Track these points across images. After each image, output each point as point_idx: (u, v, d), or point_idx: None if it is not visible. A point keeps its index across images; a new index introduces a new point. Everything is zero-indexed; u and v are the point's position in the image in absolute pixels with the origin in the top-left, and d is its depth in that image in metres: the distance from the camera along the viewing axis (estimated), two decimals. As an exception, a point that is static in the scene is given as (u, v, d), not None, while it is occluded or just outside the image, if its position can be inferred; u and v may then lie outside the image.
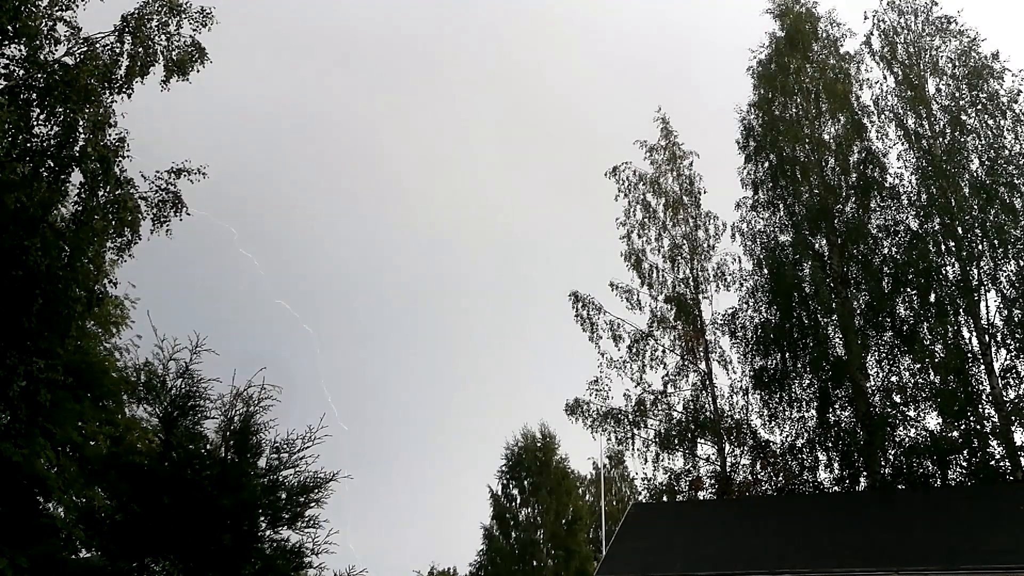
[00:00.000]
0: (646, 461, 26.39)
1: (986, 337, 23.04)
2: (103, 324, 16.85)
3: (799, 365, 25.59)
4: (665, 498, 25.96)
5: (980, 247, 23.61)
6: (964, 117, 25.14)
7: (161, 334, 14.37)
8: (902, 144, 26.20)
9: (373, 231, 72.93)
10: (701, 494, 25.81)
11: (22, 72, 13.80)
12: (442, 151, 71.66)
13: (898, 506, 19.80)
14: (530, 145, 73.42)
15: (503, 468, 40.23)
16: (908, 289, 24.44)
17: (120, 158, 13.78)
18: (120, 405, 16.08)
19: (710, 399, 26.73)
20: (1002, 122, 24.61)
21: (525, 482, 39.93)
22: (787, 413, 25.68)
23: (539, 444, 40.42)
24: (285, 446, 14.56)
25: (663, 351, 27.28)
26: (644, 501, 26.83)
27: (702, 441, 26.37)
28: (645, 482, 26.63)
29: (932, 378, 23.33)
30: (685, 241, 28.46)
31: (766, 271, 26.91)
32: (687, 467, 26.16)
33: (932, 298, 23.96)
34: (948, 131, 25.25)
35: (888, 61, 26.98)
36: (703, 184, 29.32)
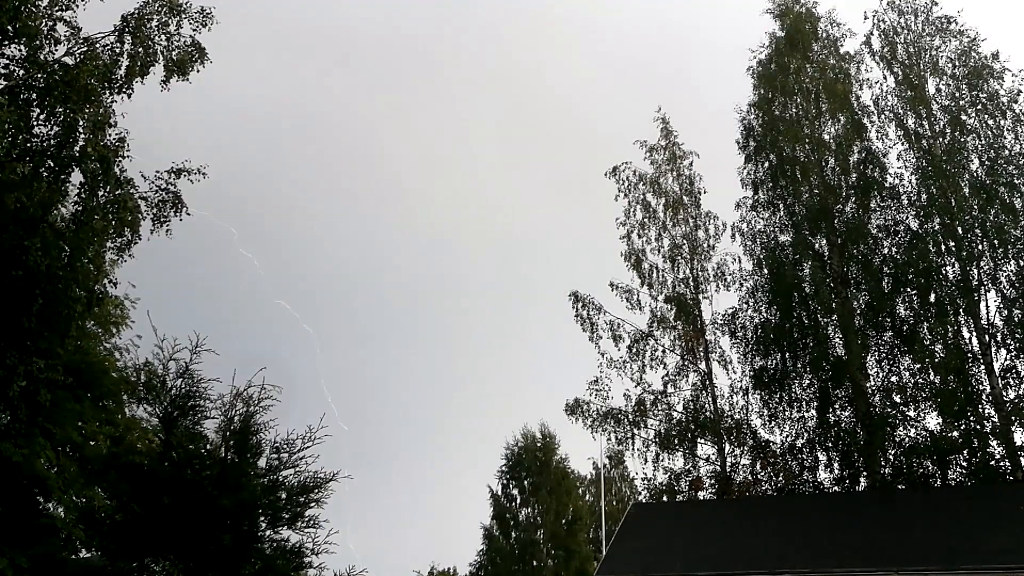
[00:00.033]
0: (646, 461, 26.43)
1: (986, 337, 23.04)
2: (103, 324, 16.85)
3: (799, 365, 25.59)
4: (665, 498, 25.96)
5: (980, 247, 23.62)
6: (964, 117, 25.14)
7: (161, 334, 14.39)
8: (902, 144, 26.22)
9: (373, 231, 72.98)
10: (701, 494, 25.81)
11: (22, 72, 13.79)
12: (442, 151, 71.71)
13: (898, 506, 19.80)
14: (530, 145, 73.48)
15: (503, 468, 40.26)
16: (908, 289, 24.44)
17: (120, 158, 13.78)
18: (120, 405, 16.08)
19: (710, 399, 26.73)
20: (1002, 122, 24.61)
21: (525, 482, 39.93)
22: (787, 413, 25.70)
23: (539, 444, 40.42)
24: (285, 446, 14.57)
25: (663, 351, 27.31)
26: (644, 501, 26.83)
27: (702, 441, 26.39)
28: (645, 482, 26.67)
29: (932, 378, 23.33)
30: (685, 241, 28.47)
31: (766, 271, 26.91)
32: (687, 467, 26.19)
33: (932, 298, 23.97)
34: (948, 131, 25.25)
35: (888, 61, 26.99)
36: (703, 184, 29.38)
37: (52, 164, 13.39)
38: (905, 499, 21.11)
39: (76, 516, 14.15)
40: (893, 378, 24.31)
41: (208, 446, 14.68)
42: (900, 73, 26.63)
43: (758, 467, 25.67)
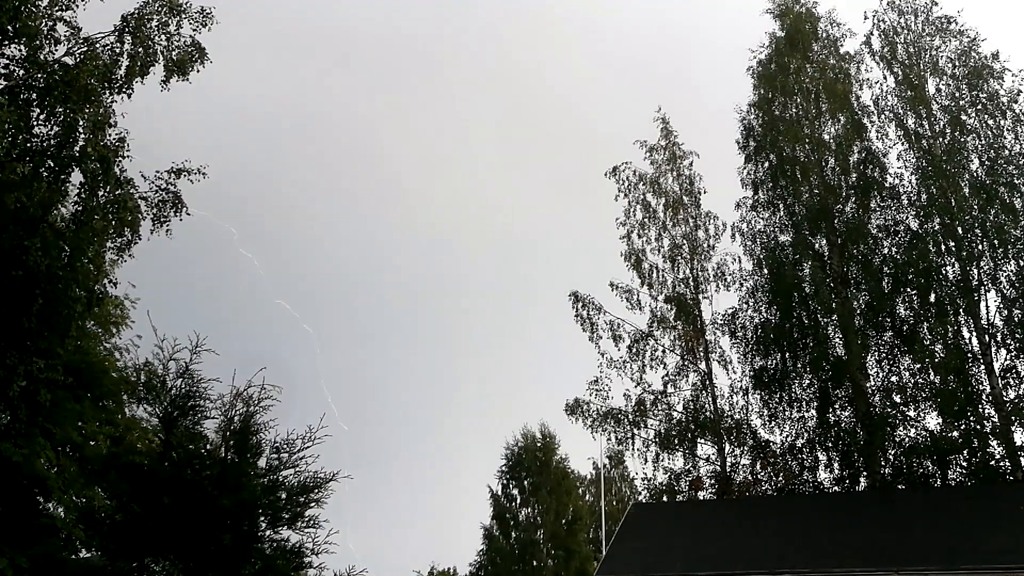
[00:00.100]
0: (646, 461, 26.43)
1: (986, 337, 23.04)
2: (103, 324, 16.85)
3: (799, 365, 25.59)
4: (665, 498, 25.96)
5: (980, 247, 23.62)
6: (964, 117, 25.14)
7: (161, 334, 14.40)
8: (902, 144, 26.23)
9: (373, 231, 72.98)
10: (701, 494, 25.81)
11: (22, 72, 13.79)
12: (442, 151, 71.72)
13: (898, 506, 19.80)
14: (530, 145, 73.48)
15: (503, 468, 40.25)
16: (908, 289, 24.44)
17: (120, 158, 13.77)
18: (120, 405, 16.08)
19: (710, 399, 26.73)
20: (1002, 122, 24.61)
21: (525, 482, 39.93)
22: (787, 413, 25.70)
23: (539, 444, 40.42)
24: (285, 446, 14.58)
25: (663, 351, 27.31)
26: (644, 501, 26.83)
27: (702, 441, 26.39)
28: (645, 482, 26.67)
29: (932, 378, 23.33)
30: (685, 241, 28.47)
31: (766, 271, 26.91)
32: (687, 467, 26.19)
33: (932, 298, 23.97)
34: (948, 131, 25.25)
35: (888, 61, 26.99)
36: (703, 184, 29.38)
37: (52, 164, 13.38)
38: (905, 499, 21.11)
39: (76, 516, 14.15)
40: (893, 378, 24.32)
41: (208, 446, 14.69)
42: (900, 73, 26.63)
43: (758, 467, 25.67)
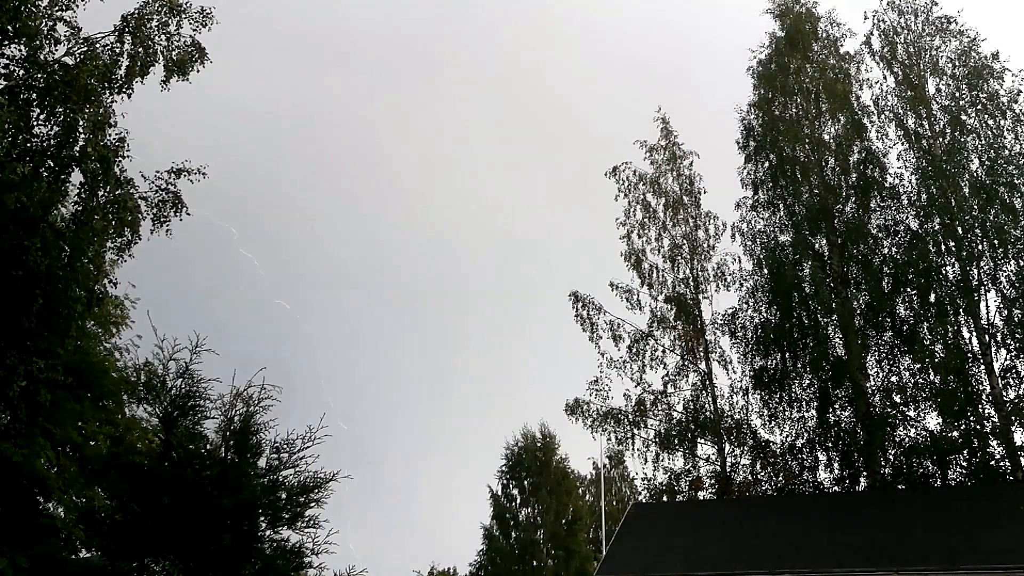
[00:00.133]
0: (646, 461, 26.43)
1: (986, 337, 23.04)
2: (103, 324, 16.84)
3: (799, 365, 25.59)
4: (665, 498, 25.96)
5: (980, 247, 23.62)
6: (964, 117, 25.14)
7: (161, 334, 14.44)
8: (902, 144, 26.22)
9: (373, 231, 72.98)
10: (701, 494, 25.81)
11: (22, 72, 13.78)
12: (442, 151, 71.70)
13: (898, 506, 19.80)
14: (530, 145, 73.46)
15: (503, 468, 40.24)
16: (908, 289, 24.44)
17: (120, 158, 13.76)
18: (120, 405, 16.07)
19: (710, 399, 26.73)
20: (1002, 122, 24.61)
21: (525, 482, 39.92)
22: (787, 413, 25.69)
23: (539, 444, 40.40)
24: (285, 446, 14.61)
25: (663, 351, 27.31)
26: (644, 501, 26.83)
27: (702, 441, 26.39)
28: (645, 482, 26.67)
29: (932, 378, 23.33)
30: (685, 241, 28.47)
31: (766, 271, 26.91)
32: (687, 467, 26.19)
33: (932, 298, 23.96)
34: (948, 131, 25.25)
35: (888, 61, 26.99)
36: (703, 184, 29.38)
37: (52, 164, 13.37)
38: (905, 499, 21.11)
39: (76, 516, 14.15)
40: (893, 378, 24.32)
41: (208, 446, 14.71)
42: (900, 73, 26.63)
43: (758, 467, 25.67)
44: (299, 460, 14.56)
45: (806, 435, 25.23)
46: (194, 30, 15.03)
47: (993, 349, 22.92)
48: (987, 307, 23.30)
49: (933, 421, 23.27)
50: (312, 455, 14.57)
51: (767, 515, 20.46)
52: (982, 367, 22.91)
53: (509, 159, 71.47)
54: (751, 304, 27.01)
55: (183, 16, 14.94)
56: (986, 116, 24.85)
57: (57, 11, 14.12)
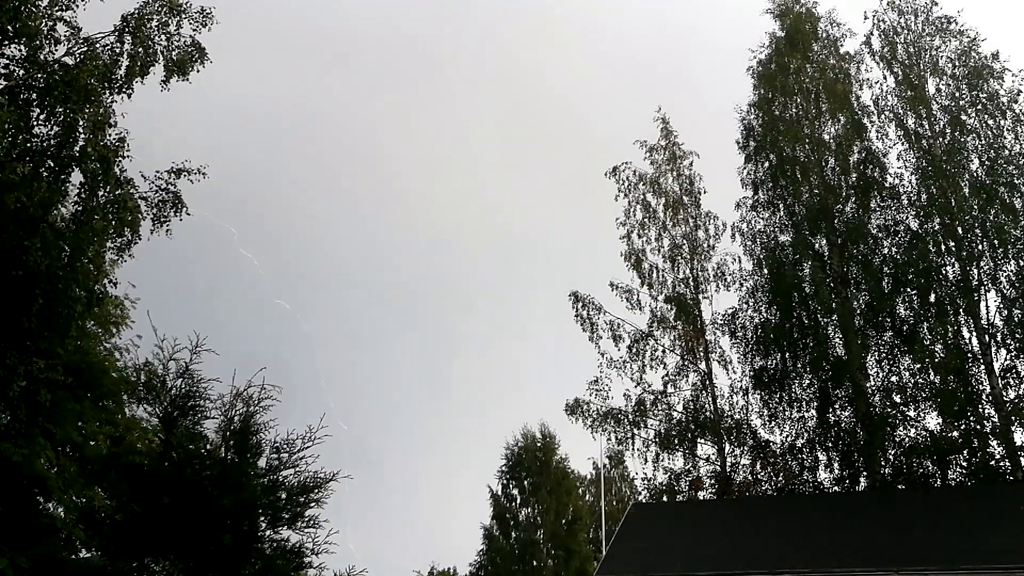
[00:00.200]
0: (646, 461, 26.42)
1: (986, 337, 23.04)
2: (103, 324, 16.84)
3: (799, 365, 25.59)
4: (665, 498, 25.96)
5: (980, 247, 23.62)
6: (964, 117, 25.14)
7: (161, 334, 14.44)
8: (902, 144, 26.22)
9: (373, 231, 72.98)
10: (701, 494, 25.81)
11: (22, 72, 13.78)
12: (442, 151, 71.69)
13: (898, 506, 19.80)
14: (530, 145, 73.46)
15: (503, 468, 40.24)
16: (908, 289, 24.44)
17: (120, 158, 13.76)
18: (120, 405, 16.07)
19: (710, 399, 26.73)
20: (1002, 122, 24.61)
21: (525, 482, 39.91)
22: (787, 413, 25.69)
23: (539, 444, 40.40)
24: (285, 446, 14.62)
25: (663, 351, 27.31)
26: (644, 501, 26.83)
27: (702, 441, 26.39)
28: (645, 482, 26.67)
29: (932, 378, 23.33)
30: (685, 241, 28.47)
31: (766, 271, 26.91)
32: (687, 467, 26.19)
33: (932, 298, 23.96)
34: (948, 131, 25.25)
35: (888, 61, 26.99)
36: (703, 184, 29.38)
37: (52, 164, 13.37)
38: (905, 499, 21.11)
39: (76, 516, 14.15)
40: (893, 378, 24.31)
41: (208, 446, 14.72)
42: (900, 73, 26.63)
43: (758, 467, 25.67)
44: (299, 460, 14.58)
45: (806, 435, 25.24)
46: (194, 30, 15.04)
47: (993, 349, 22.93)
48: (987, 307, 23.33)
49: (933, 421, 23.31)
50: (312, 455, 14.60)
51: (767, 515, 20.46)
52: (982, 367, 22.91)
53: (509, 159, 71.50)
54: (751, 304, 27.04)
55: (183, 16, 14.94)
56: (986, 116, 24.85)
57: (57, 11, 14.13)
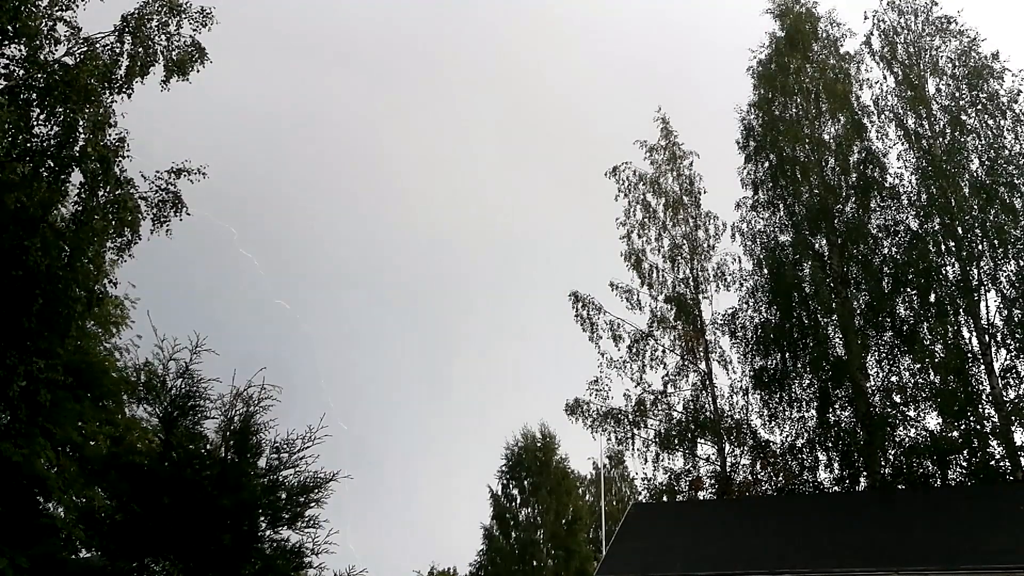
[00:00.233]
0: (646, 461, 26.43)
1: (986, 337, 23.04)
2: (103, 324, 16.85)
3: (799, 365, 25.59)
4: (665, 498, 25.96)
5: (980, 247, 23.62)
6: (964, 117, 25.14)
7: (161, 334, 14.44)
8: (902, 144, 26.22)
9: (373, 231, 72.98)
10: (701, 494, 25.81)
11: (22, 72, 13.79)
12: (442, 151, 71.67)
13: (898, 506, 19.80)
14: (530, 145, 73.45)
15: (503, 468, 40.25)
16: (908, 289, 24.44)
17: (120, 158, 13.77)
18: (120, 405, 16.08)
19: (710, 399, 26.73)
20: (1002, 122, 24.61)
21: (525, 482, 39.92)
22: (787, 413, 25.69)
23: (539, 444, 40.40)
24: (285, 446, 14.62)
25: (663, 351, 27.31)
26: (644, 501, 26.83)
27: (702, 441, 26.39)
28: (645, 482, 26.67)
29: (932, 378, 23.33)
30: (685, 241, 28.47)
31: (766, 271, 26.91)
32: (687, 467, 26.19)
33: (932, 298, 23.96)
34: (948, 131, 25.25)
35: (888, 61, 26.99)
36: (703, 184, 29.38)
37: (52, 164, 13.37)
38: (905, 499, 21.11)
39: (76, 516, 14.15)
40: (893, 378, 24.31)
41: (208, 446, 14.71)
42: (900, 73, 26.63)
43: (758, 467, 25.67)
44: (299, 460, 14.58)
45: (806, 435, 25.24)
46: (194, 30, 15.04)
47: (993, 349, 22.93)
48: (987, 307, 23.33)
49: (933, 421, 23.31)
50: (312, 455, 14.59)
51: (767, 515, 20.46)
52: (982, 367, 22.91)
53: (509, 159, 71.49)
54: (751, 304, 27.04)
55: (183, 16, 14.94)
56: (986, 116, 24.85)
57: (57, 11, 14.13)
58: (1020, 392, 22.50)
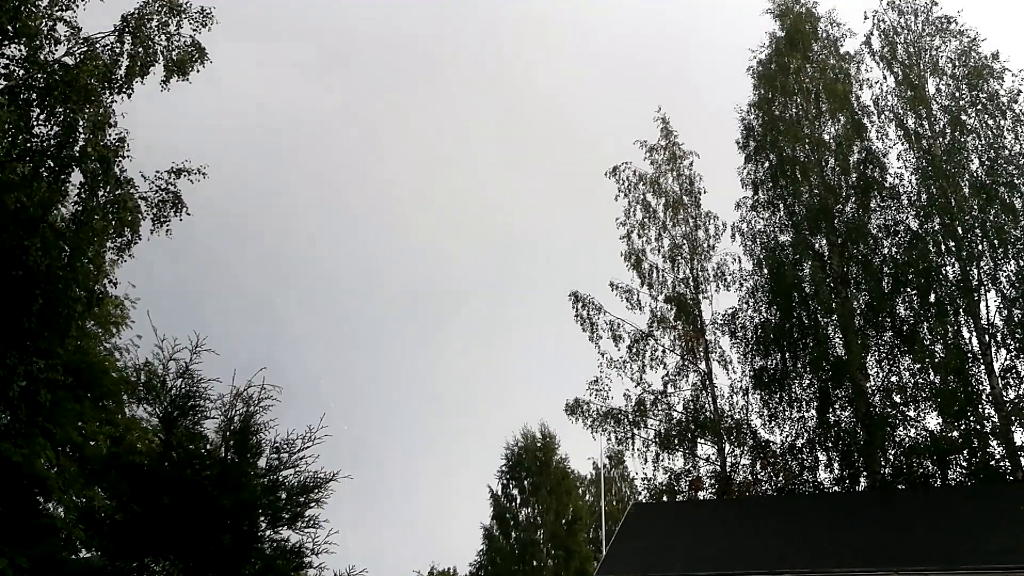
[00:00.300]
0: (646, 461, 26.43)
1: (986, 337, 23.04)
2: (103, 324, 16.84)
3: (799, 365, 25.59)
4: (665, 498, 25.96)
5: (980, 247, 23.62)
6: (964, 117, 25.14)
7: (161, 334, 14.43)
8: (902, 144, 26.23)
9: (373, 231, 72.98)
10: (701, 494, 25.81)
11: (22, 72, 13.78)
12: (442, 151, 71.65)
13: (898, 506, 19.80)
14: (529, 145, 73.40)
15: (503, 468, 40.26)
16: (908, 289, 24.45)
17: (120, 158, 13.76)
18: (120, 405, 16.08)
19: (710, 399, 26.73)
20: (1002, 122, 24.61)
21: (525, 482, 39.93)
22: (787, 413, 25.70)
23: (539, 444, 40.41)
24: (285, 446, 14.61)
25: (663, 351, 27.31)
26: (644, 501, 26.83)
27: (702, 441, 26.40)
28: (645, 482, 26.68)
29: (932, 378, 23.33)
30: (685, 241, 28.47)
31: (766, 271, 26.91)
32: (687, 467, 26.19)
33: (932, 298, 23.97)
34: (948, 131, 25.25)
35: (888, 61, 26.99)
36: (703, 184, 29.40)
37: (52, 164, 13.37)
38: (905, 499, 21.11)
39: (76, 516, 14.15)
40: (893, 378, 24.32)
41: (208, 446, 14.70)
42: (900, 73, 26.64)
43: (758, 467, 25.67)
44: (299, 460, 14.57)
45: (806, 435, 25.24)
46: (194, 30, 15.05)
47: (993, 349, 22.93)
48: (987, 307, 23.33)
49: (933, 421, 23.32)
50: (312, 455, 14.58)
51: (767, 515, 20.46)
52: (982, 367, 22.91)
53: (509, 159, 71.47)
54: (751, 304, 27.05)
55: (183, 16, 14.95)
56: (986, 116, 24.85)
57: (57, 11, 14.12)
58: (1020, 392, 22.51)
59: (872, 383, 24.59)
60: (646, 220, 28.59)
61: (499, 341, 65.18)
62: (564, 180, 70.43)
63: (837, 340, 24.99)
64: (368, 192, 78.31)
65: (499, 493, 39.93)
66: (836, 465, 24.64)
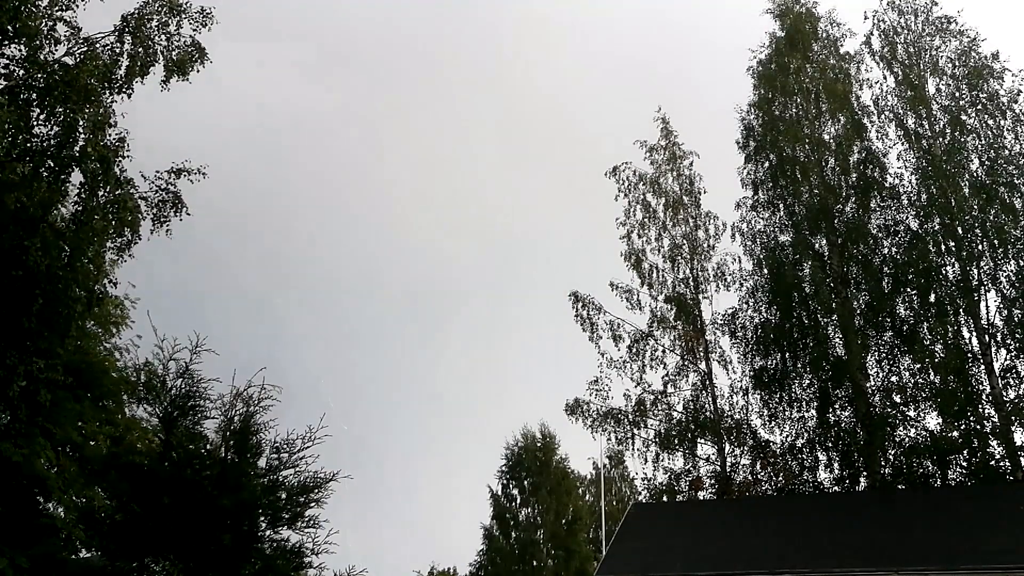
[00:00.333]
0: (646, 461, 26.44)
1: (986, 337, 23.04)
2: (103, 324, 16.84)
3: (799, 365, 25.59)
4: (665, 498, 25.96)
5: (980, 247, 23.62)
6: (964, 117, 25.14)
7: (161, 334, 14.43)
8: (902, 144, 26.23)
9: (373, 231, 72.98)
10: (701, 494, 25.81)
11: (22, 72, 13.79)
12: (442, 151, 71.64)
13: (898, 506, 19.80)
14: (530, 145, 73.37)
15: (503, 468, 40.26)
16: (908, 289, 24.45)
17: (120, 158, 13.77)
18: (120, 405, 16.07)
19: (710, 399, 26.73)
20: (1002, 122, 24.61)
21: (525, 482, 39.93)
22: (787, 413, 25.70)
23: (539, 444, 40.42)
24: (285, 446, 14.61)
25: (663, 351, 27.31)
26: (644, 501, 26.83)
27: (702, 441, 26.40)
28: (645, 482, 26.68)
29: (932, 378, 23.33)
30: (685, 241, 28.47)
31: (766, 271, 26.92)
32: (687, 467, 26.19)
33: (932, 298, 23.97)
34: (948, 131, 25.25)
35: (888, 61, 27.00)
36: (703, 184, 29.40)
37: (52, 164, 13.37)
38: (905, 499, 21.11)
39: (76, 516, 14.15)
40: (893, 378, 24.32)
41: (208, 446, 14.71)
42: (900, 73, 26.64)
43: (758, 467, 25.68)
44: (299, 460, 14.57)
45: (806, 435, 25.24)
46: (194, 30, 15.05)
47: (993, 349, 22.93)
48: (987, 307, 23.33)
49: (933, 421, 23.32)
50: (312, 455, 14.58)
51: (767, 515, 20.46)
52: (982, 367, 22.91)
53: (509, 159, 71.46)
54: (751, 304, 27.05)
55: (183, 16, 14.95)
56: (986, 116, 24.86)
57: (57, 11, 14.12)
58: (1020, 392, 22.51)
59: (872, 383, 24.60)
60: (646, 220, 28.61)
61: (499, 341, 65.20)
62: (564, 180, 70.44)
63: (837, 340, 25.00)
64: (368, 192, 78.29)
65: (499, 493, 39.95)
66: (836, 465, 24.65)
